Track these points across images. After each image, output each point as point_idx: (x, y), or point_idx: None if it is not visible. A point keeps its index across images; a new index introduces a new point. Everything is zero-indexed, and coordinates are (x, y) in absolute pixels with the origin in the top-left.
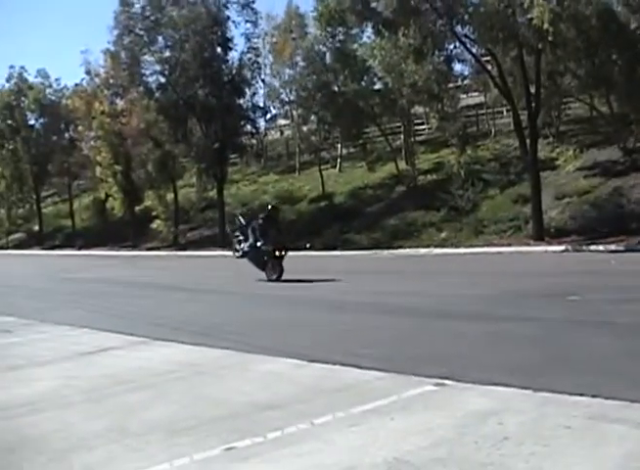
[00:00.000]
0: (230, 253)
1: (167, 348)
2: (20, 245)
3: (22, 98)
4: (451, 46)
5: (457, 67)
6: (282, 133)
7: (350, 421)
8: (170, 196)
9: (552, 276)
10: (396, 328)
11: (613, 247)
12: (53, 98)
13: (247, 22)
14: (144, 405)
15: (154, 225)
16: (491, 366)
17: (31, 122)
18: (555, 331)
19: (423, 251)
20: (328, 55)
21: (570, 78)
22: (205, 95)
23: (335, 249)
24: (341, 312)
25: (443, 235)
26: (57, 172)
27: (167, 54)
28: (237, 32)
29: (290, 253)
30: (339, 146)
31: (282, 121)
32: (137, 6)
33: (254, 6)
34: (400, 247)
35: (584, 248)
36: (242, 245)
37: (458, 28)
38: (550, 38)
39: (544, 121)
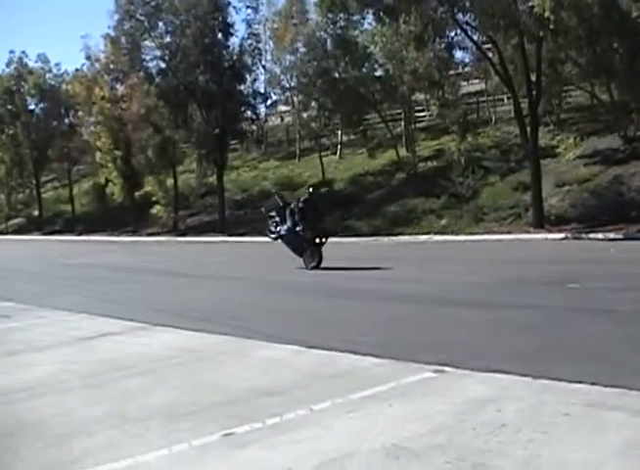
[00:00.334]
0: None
1: (167, 333)
2: (19, 230)
3: (23, 83)
4: (452, 33)
5: (458, 54)
6: (282, 119)
7: (349, 407)
8: (170, 181)
9: (552, 264)
10: (396, 315)
11: (612, 235)
12: (53, 83)
13: (247, 7)
14: (143, 391)
15: (153, 211)
16: (490, 353)
17: (31, 107)
18: (554, 319)
19: (423, 238)
20: (329, 41)
21: (570, 66)
22: (206, 81)
23: (335, 235)
24: (340, 299)
25: (443, 222)
26: (57, 157)
27: (168, 39)
28: (238, 18)
29: None
30: (339, 132)
31: (282, 108)
32: None
33: None
34: (400, 234)
35: (584, 236)
36: (278, 227)
37: (459, 16)
38: (551, 26)
39: (545, 109)
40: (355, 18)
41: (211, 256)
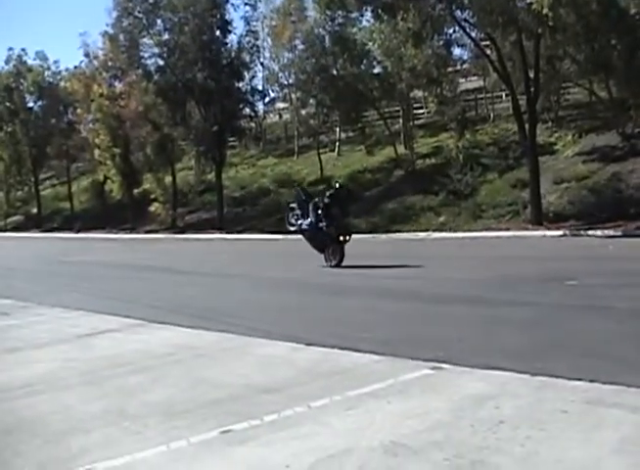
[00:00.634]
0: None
1: (165, 330)
2: (18, 227)
3: (21, 80)
4: (450, 30)
5: (456, 51)
6: (281, 117)
7: (347, 404)
8: (169, 179)
9: (550, 261)
10: (394, 312)
11: (611, 232)
12: (51, 80)
13: (246, 4)
14: (142, 388)
15: (152, 208)
16: (489, 350)
17: (30, 105)
18: (553, 316)
19: (421, 235)
20: (327, 38)
21: (569, 63)
22: (204, 78)
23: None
24: (339, 296)
25: (442, 219)
26: (55, 155)
27: (166, 37)
28: (236, 15)
29: (289, 236)
30: (337, 130)
31: (281, 105)
32: None
33: None
34: (399, 231)
35: (582, 233)
36: (299, 220)
37: (457, 13)
38: (549, 23)
39: (543, 106)
40: (353, 15)
41: (210, 253)
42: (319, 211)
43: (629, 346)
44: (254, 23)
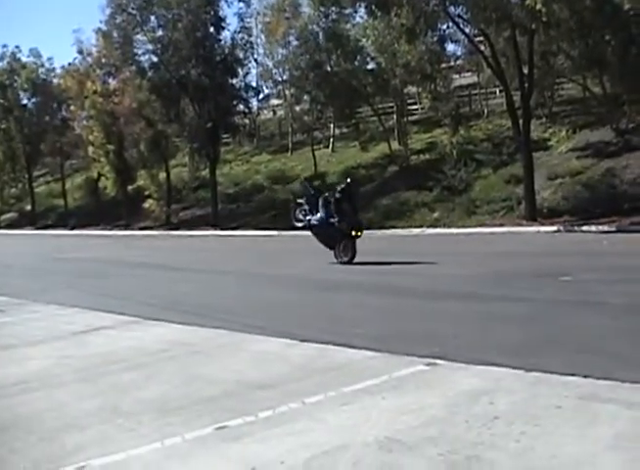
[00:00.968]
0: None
1: (159, 327)
2: (12, 224)
3: (15, 77)
4: (444, 26)
5: (450, 47)
6: (275, 113)
7: (342, 400)
8: (163, 175)
9: (544, 257)
10: (388, 308)
11: (605, 227)
12: (45, 77)
13: (239, 1)
14: (136, 385)
15: (146, 205)
16: (483, 346)
17: (24, 102)
18: (547, 311)
19: (416, 231)
20: (321, 35)
21: (563, 59)
22: (198, 75)
23: None
24: (333, 292)
25: (436, 215)
26: (49, 152)
27: (160, 33)
28: (229, 12)
29: (283, 232)
30: (331, 126)
31: (275, 101)
32: None
33: None
34: (393, 227)
35: (576, 228)
36: (307, 216)
37: (451, 8)
38: (543, 19)
39: (537, 102)
40: (347, 11)
41: (204, 249)
42: (330, 207)
43: (623, 341)
44: (248, 20)
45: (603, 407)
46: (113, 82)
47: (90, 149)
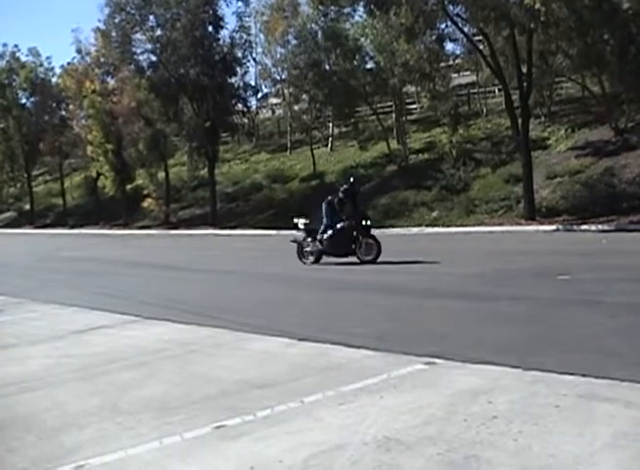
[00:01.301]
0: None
1: (158, 326)
2: (10, 224)
3: (14, 77)
4: (443, 25)
5: (449, 46)
6: (273, 112)
7: (340, 399)
8: (162, 175)
9: (543, 255)
10: (387, 306)
11: (604, 226)
12: (44, 77)
13: (238, 0)
14: (135, 384)
15: (145, 204)
16: (481, 345)
17: (23, 101)
18: (545, 310)
19: (414, 230)
20: (320, 34)
21: (561, 58)
22: (197, 74)
23: None
24: (332, 291)
25: (435, 214)
26: (48, 151)
27: (159, 32)
28: (228, 11)
29: (282, 231)
30: (330, 125)
31: (273, 100)
32: None
33: None
34: (392, 226)
35: (575, 227)
36: (311, 247)
37: (450, 8)
38: (542, 18)
39: (536, 101)
40: (346, 10)
41: (203, 248)
42: (335, 209)
43: (622, 340)
44: (247, 19)
45: (601, 406)
46: (111, 81)
47: (89, 148)
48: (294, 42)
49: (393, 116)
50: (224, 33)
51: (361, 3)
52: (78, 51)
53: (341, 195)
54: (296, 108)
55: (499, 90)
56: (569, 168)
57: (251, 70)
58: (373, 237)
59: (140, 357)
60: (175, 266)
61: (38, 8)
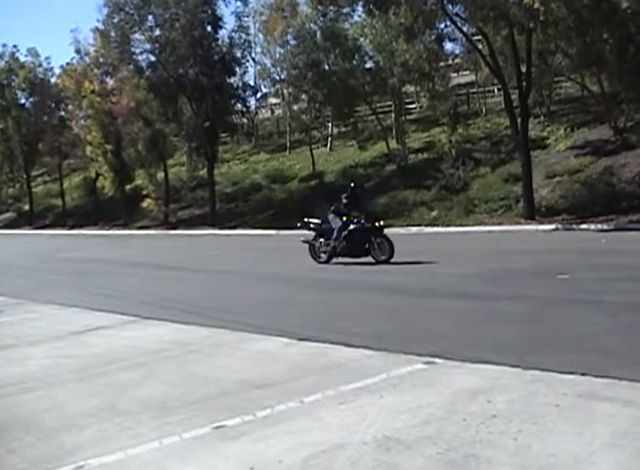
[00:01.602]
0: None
1: (158, 326)
2: (10, 224)
3: (13, 77)
4: (442, 25)
5: (448, 45)
6: (273, 112)
7: (340, 399)
8: (161, 175)
9: (542, 255)
10: (387, 306)
11: (603, 226)
12: (43, 77)
13: (237, 0)
14: (135, 384)
15: (144, 204)
16: (481, 344)
17: (22, 102)
18: (545, 309)
19: (414, 229)
20: (319, 34)
21: (561, 58)
22: (196, 74)
23: None
24: (331, 291)
25: (434, 214)
26: (47, 152)
27: (158, 32)
28: (227, 11)
29: (281, 231)
30: (329, 125)
31: (273, 100)
32: None
33: None
34: (391, 225)
35: (575, 227)
36: (323, 247)
37: (449, 7)
38: (541, 17)
39: (535, 100)
40: (345, 10)
41: (203, 249)
42: (342, 212)
43: (621, 339)
44: (246, 19)
45: (600, 405)
46: (110, 82)
47: (88, 148)
48: (293, 42)
49: (393, 115)
50: (223, 33)
51: (360, 3)
52: (77, 51)
53: (344, 201)
54: (295, 108)
55: (498, 90)
56: (568, 168)
57: (251, 69)
58: (385, 237)
59: (139, 358)
60: (174, 266)
61: (37, 8)
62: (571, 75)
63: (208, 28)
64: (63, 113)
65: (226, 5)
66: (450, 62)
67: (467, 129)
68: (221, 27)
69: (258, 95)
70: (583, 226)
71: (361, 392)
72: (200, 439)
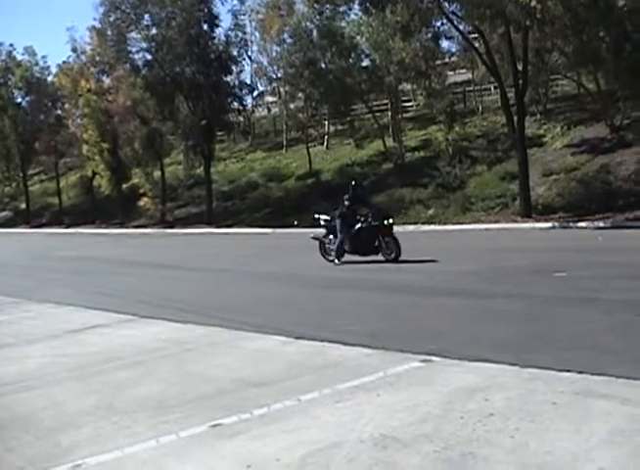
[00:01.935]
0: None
1: (155, 325)
2: (6, 223)
3: (10, 75)
4: (438, 23)
5: (444, 44)
6: (269, 110)
7: (337, 397)
8: (157, 173)
9: (539, 253)
10: (383, 304)
11: (599, 223)
12: (40, 76)
13: None
14: (132, 383)
15: (141, 203)
16: (478, 342)
17: (18, 100)
18: (542, 307)
19: (411, 227)
20: (315, 32)
21: (557, 56)
22: (192, 72)
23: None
24: (328, 289)
25: (431, 212)
26: (44, 150)
27: (154, 31)
28: (223, 9)
29: (278, 230)
30: (326, 123)
31: (269, 98)
32: None
33: None
34: None
35: (571, 225)
36: (332, 244)
37: (445, 5)
38: (537, 15)
39: (531, 99)
40: (342, 8)
41: (199, 247)
42: (348, 213)
43: (618, 337)
44: (242, 17)
45: (597, 403)
46: (107, 80)
47: (84, 147)
48: (289, 40)
49: (389, 113)
50: (219, 32)
51: (356, 1)
52: (74, 50)
53: (347, 202)
54: (291, 106)
55: (495, 88)
56: (564, 166)
57: (247, 68)
58: (392, 235)
59: (136, 356)
60: (171, 265)
61: (34, 7)
62: (567, 73)
63: (205, 27)
64: (59, 111)
65: (222, 3)
66: (447, 60)
67: (463, 127)
68: (218, 26)
69: (255, 93)
70: (580, 224)
71: (358, 390)
72: (197, 437)
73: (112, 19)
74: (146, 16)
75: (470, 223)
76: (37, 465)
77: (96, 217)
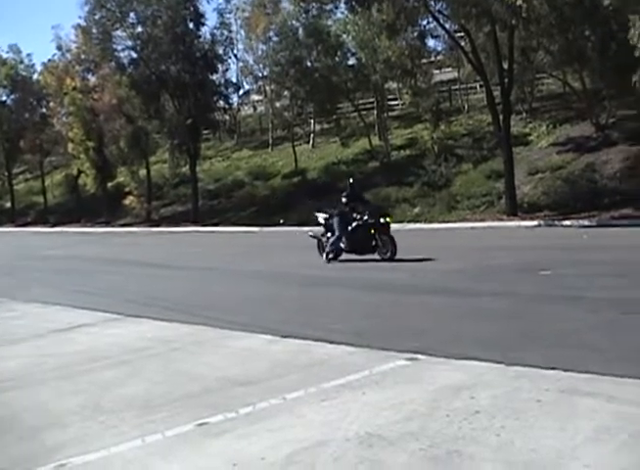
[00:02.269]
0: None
1: (141, 324)
2: None
3: None
4: (424, 22)
5: (430, 42)
6: (255, 109)
7: (322, 396)
8: (143, 172)
9: (524, 251)
10: (369, 303)
11: (585, 222)
12: (25, 74)
13: None
14: (118, 382)
15: (127, 201)
16: (464, 341)
17: (3, 99)
18: (527, 306)
19: (396, 226)
20: (301, 30)
21: (543, 54)
22: (178, 71)
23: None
24: (314, 287)
25: (417, 210)
26: (29, 149)
27: (139, 29)
28: (209, 8)
29: (264, 228)
30: (312, 122)
31: (255, 97)
32: None
33: None
34: None
35: (557, 223)
36: (330, 244)
37: (431, 4)
38: (523, 14)
39: (517, 97)
40: (328, 7)
41: (185, 246)
42: (345, 216)
43: (603, 335)
44: (228, 16)
45: (583, 401)
46: (92, 79)
47: (70, 146)
48: (275, 39)
49: (375, 112)
50: (205, 30)
51: None
52: (59, 48)
53: (344, 200)
54: (277, 105)
55: (480, 86)
56: (550, 164)
57: (233, 66)
58: (388, 234)
59: (122, 356)
60: (157, 264)
61: (19, 5)
62: (552, 72)
63: (190, 25)
64: (44, 110)
65: (208, 1)
66: (433, 58)
67: (449, 126)
68: (203, 24)
69: (241, 92)
70: (565, 222)
71: (343, 388)
72: (182, 436)
73: (97, 17)
74: (131, 14)
75: (455, 222)
76: (21, 465)
77: (81, 216)
